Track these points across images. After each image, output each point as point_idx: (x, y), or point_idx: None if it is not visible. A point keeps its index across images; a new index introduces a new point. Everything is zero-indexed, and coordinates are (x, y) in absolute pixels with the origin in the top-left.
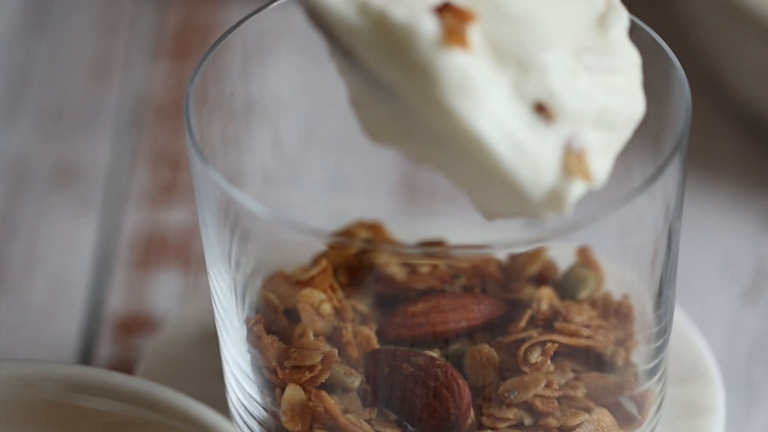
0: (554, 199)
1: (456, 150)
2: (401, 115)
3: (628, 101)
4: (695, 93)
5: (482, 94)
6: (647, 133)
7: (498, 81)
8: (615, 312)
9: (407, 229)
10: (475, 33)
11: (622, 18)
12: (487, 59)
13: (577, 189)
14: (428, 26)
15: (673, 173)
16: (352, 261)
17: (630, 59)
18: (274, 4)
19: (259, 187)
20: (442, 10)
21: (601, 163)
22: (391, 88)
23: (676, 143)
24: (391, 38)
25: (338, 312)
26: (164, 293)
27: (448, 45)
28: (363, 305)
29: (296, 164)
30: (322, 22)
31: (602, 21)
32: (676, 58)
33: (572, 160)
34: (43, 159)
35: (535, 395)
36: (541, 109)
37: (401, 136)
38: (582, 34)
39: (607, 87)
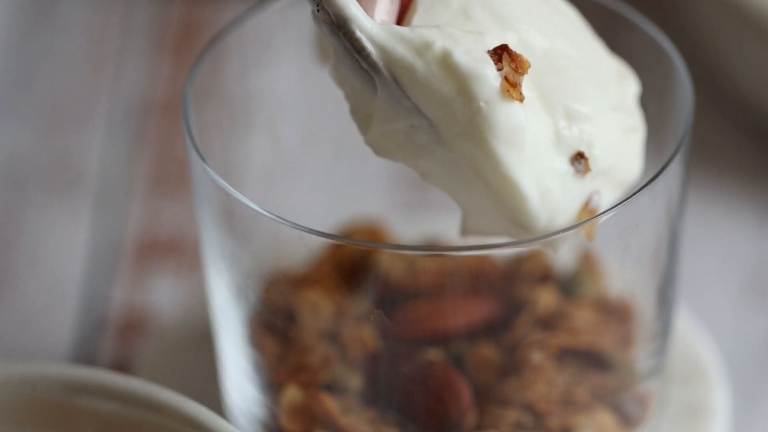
0: (552, 242)
1: (483, 184)
2: (419, 134)
3: (639, 164)
4: (697, 92)
5: (529, 145)
6: (649, 132)
7: (543, 129)
8: (616, 311)
9: (408, 228)
10: (525, 78)
11: (634, 81)
12: (535, 106)
13: (574, 240)
14: (491, 75)
15: (675, 173)
16: (352, 261)
17: (641, 122)
18: (274, 2)
19: (258, 187)
20: (500, 55)
21: None
22: (429, 119)
23: (679, 143)
24: (452, 81)
25: (338, 312)
26: (163, 293)
27: (508, 97)
28: (363, 305)
29: (296, 163)
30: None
31: (621, 80)
32: (678, 58)
33: (585, 216)
34: (41, 158)
35: (536, 395)
36: (579, 159)
37: (413, 154)
38: (612, 91)
39: (631, 147)
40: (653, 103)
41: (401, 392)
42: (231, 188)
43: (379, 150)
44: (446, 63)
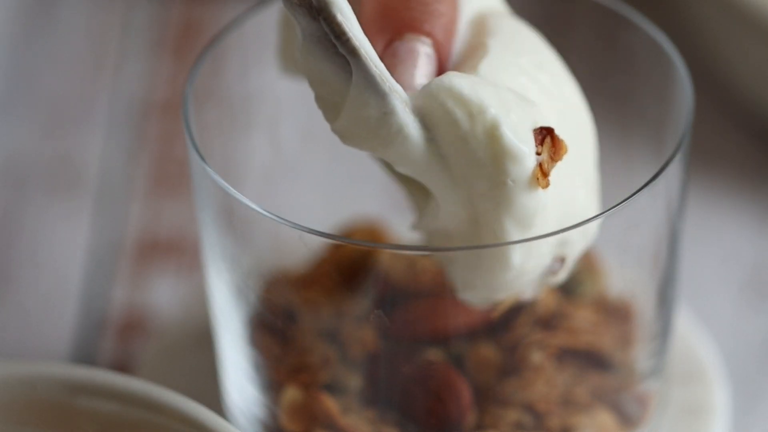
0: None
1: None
2: (391, 120)
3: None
4: (697, 92)
5: (534, 232)
6: (649, 132)
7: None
8: (615, 311)
9: (408, 228)
10: (580, 166)
11: None
12: (578, 196)
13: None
14: (528, 158)
15: (675, 172)
16: (352, 261)
17: None
18: (274, 2)
19: (258, 187)
20: (544, 137)
21: None
22: (445, 160)
23: (679, 143)
24: (490, 149)
25: (338, 312)
26: (163, 293)
27: (535, 184)
28: (363, 305)
29: (296, 163)
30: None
31: None
32: (678, 58)
33: (508, 303)
34: (41, 158)
35: (536, 395)
36: (561, 262)
37: (383, 142)
38: None
39: None
40: (653, 103)
41: (401, 392)
42: (231, 188)
43: (347, 137)
44: (492, 133)
